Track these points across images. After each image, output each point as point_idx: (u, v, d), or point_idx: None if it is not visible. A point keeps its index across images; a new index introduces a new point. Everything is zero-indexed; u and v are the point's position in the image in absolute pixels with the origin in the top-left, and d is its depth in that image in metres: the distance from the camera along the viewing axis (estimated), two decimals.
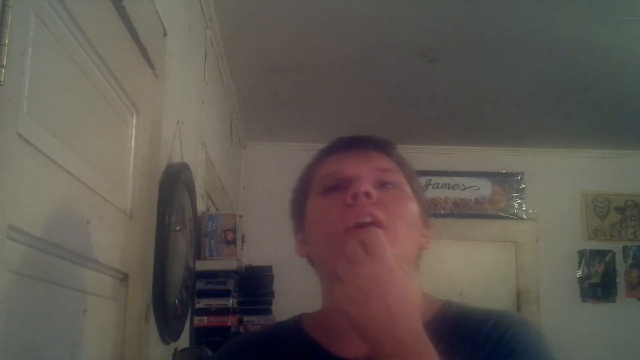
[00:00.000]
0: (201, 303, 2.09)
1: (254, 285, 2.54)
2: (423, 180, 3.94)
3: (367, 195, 0.80)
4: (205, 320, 2.08)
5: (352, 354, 0.82)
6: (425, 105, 3.39)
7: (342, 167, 0.86)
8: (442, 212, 4.07)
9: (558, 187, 4.12)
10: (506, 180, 4.15)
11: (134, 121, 1.35)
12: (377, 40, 2.63)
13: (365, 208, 0.80)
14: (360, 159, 0.87)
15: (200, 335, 2.08)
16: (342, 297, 0.71)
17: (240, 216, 2.48)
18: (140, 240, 1.38)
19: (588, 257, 4.05)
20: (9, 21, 0.74)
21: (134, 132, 1.35)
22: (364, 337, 0.70)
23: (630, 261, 4.05)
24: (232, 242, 2.21)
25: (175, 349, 1.80)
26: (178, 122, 1.86)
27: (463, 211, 4.09)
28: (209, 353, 1.83)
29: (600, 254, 4.06)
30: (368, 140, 0.90)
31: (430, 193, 4.01)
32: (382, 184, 0.84)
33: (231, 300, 2.13)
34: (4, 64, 0.73)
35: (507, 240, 4.08)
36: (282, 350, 0.87)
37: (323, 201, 0.84)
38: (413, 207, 0.86)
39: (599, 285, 4.01)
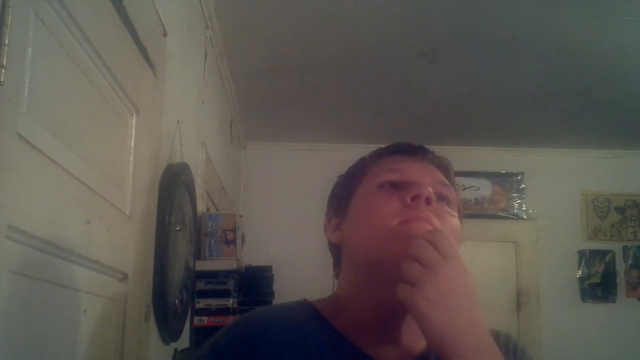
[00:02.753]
0: (201, 303, 2.09)
1: (254, 285, 2.54)
2: None
3: (428, 201, 0.80)
4: (205, 320, 2.08)
5: (382, 353, 0.80)
6: (426, 105, 3.38)
7: (406, 168, 0.86)
8: None
9: (558, 187, 4.12)
10: (506, 180, 4.16)
11: (134, 121, 1.35)
12: (377, 40, 2.63)
13: (424, 212, 0.80)
14: (424, 167, 0.88)
15: (200, 335, 2.08)
16: (422, 300, 0.69)
17: (240, 216, 2.48)
18: (140, 240, 1.38)
19: (588, 257, 4.05)
20: (9, 21, 0.74)
21: (133, 132, 1.35)
22: (439, 339, 0.69)
23: (630, 261, 4.05)
24: (232, 242, 2.21)
25: (175, 349, 1.80)
26: (178, 122, 1.86)
27: (463, 211, 4.08)
28: None
29: (600, 254, 4.06)
30: (431, 153, 0.91)
31: None
32: (439, 197, 0.85)
33: (231, 300, 2.13)
34: (4, 64, 0.73)
35: (507, 240, 4.08)
36: (305, 339, 0.80)
37: (379, 194, 0.83)
38: (459, 229, 0.88)
39: (599, 285, 4.01)
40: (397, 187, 0.84)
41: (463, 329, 0.69)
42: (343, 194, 0.91)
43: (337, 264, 0.91)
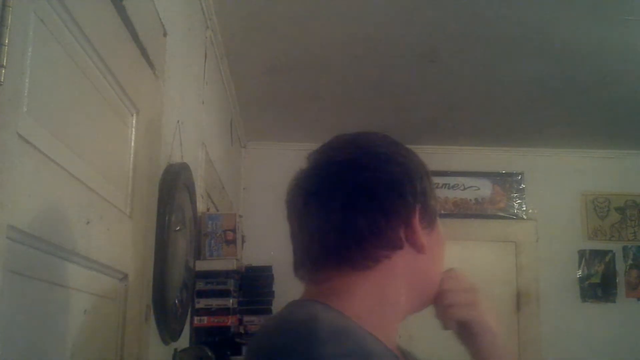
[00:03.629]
0: (201, 303, 2.09)
1: (254, 285, 2.54)
2: None
3: None
4: (205, 320, 2.08)
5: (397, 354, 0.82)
6: (426, 105, 3.39)
7: None
8: (442, 212, 4.06)
9: (558, 187, 4.11)
10: (506, 180, 4.15)
11: (134, 121, 1.35)
12: (378, 40, 2.63)
13: None
14: None
15: (200, 335, 2.08)
16: (483, 313, 0.91)
17: (240, 216, 2.48)
18: (140, 240, 1.38)
19: (588, 257, 4.05)
20: (9, 21, 0.74)
21: (133, 132, 1.35)
22: (496, 338, 0.91)
23: (630, 261, 4.05)
24: (232, 242, 2.21)
25: (175, 349, 1.80)
26: (178, 122, 1.86)
27: (463, 211, 4.09)
28: (209, 353, 1.83)
29: (600, 254, 4.06)
30: None
31: None
32: None
33: (231, 300, 2.13)
34: (4, 64, 0.73)
35: (507, 240, 4.08)
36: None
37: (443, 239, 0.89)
38: None
39: (599, 285, 4.01)
40: None
41: (500, 332, 0.91)
42: (431, 203, 0.84)
43: (380, 252, 0.79)
